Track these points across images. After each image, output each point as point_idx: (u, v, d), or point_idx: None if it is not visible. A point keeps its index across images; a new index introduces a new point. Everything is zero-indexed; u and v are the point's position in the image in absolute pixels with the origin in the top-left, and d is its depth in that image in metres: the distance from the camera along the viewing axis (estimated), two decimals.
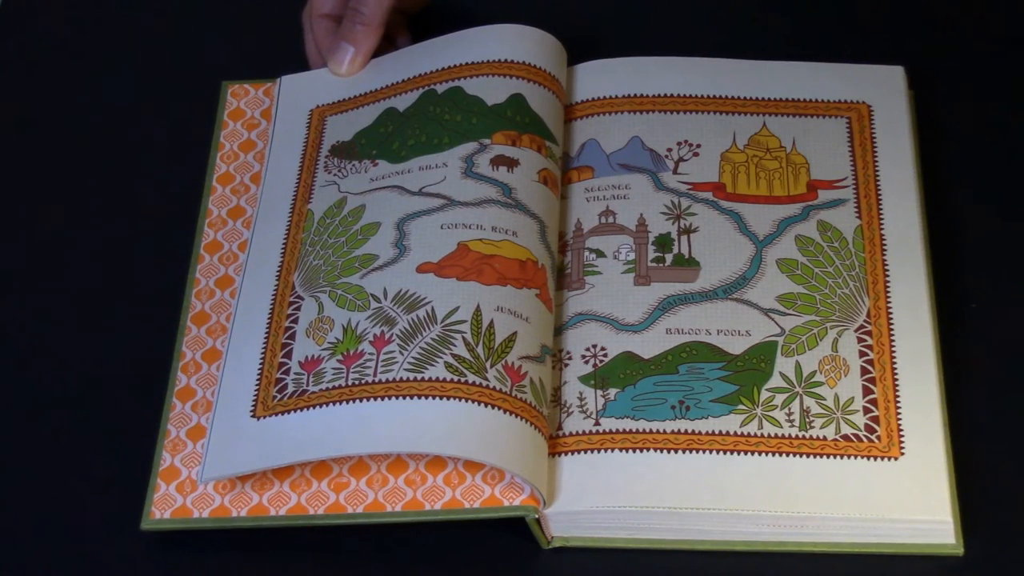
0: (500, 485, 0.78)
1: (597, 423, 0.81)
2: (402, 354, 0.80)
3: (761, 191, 0.88)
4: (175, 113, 0.95)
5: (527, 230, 0.85)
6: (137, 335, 0.87)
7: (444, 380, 0.79)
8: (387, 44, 0.95)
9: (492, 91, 0.89)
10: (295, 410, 0.80)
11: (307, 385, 0.81)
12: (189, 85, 0.96)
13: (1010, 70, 0.95)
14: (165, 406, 0.83)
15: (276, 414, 0.80)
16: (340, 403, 0.79)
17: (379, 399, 0.79)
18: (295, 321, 0.83)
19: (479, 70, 0.90)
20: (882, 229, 0.86)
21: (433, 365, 0.79)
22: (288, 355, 0.82)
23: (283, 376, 0.81)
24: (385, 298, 0.83)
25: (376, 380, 0.79)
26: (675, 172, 0.89)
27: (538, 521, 0.78)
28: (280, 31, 0.99)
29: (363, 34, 0.92)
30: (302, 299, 0.84)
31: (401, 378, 0.79)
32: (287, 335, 0.83)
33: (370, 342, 0.81)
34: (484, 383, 0.79)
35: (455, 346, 0.80)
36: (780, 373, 0.81)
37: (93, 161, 0.94)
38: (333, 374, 0.81)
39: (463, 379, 0.79)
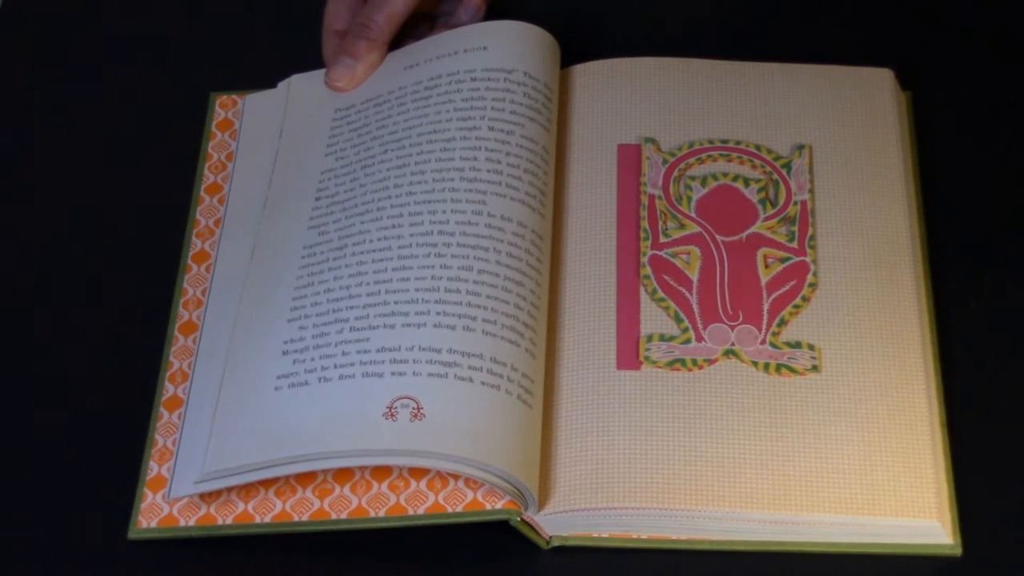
0: (482, 489, 0.78)
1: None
2: None
3: None
4: (168, 123, 0.96)
5: None
6: (125, 344, 0.87)
7: None
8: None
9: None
10: None
11: None
12: (180, 95, 0.96)
13: (1009, 70, 0.95)
14: (152, 415, 0.83)
15: None
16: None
17: None
18: None
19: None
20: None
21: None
22: None
23: None
24: None
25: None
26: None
27: (528, 523, 0.79)
28: (272, 42, 0.99)
29: (365, 49, 0.92)
30: None
31: None
32: None
33: None
34: None
35: None
36: None
37: (83, 170, 0.95)
38: None
39: None
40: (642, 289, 0.84)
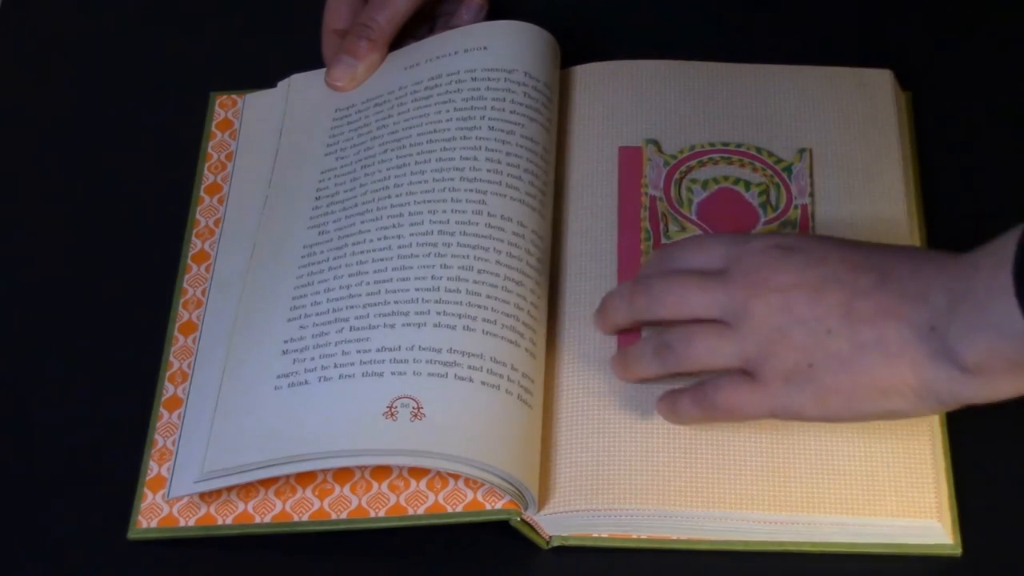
0: (482, 489, 0.78)
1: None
2: None
3: None
4: (168, 123, 0.96)
5: None
6: (125, 344, 0.87)
7: None
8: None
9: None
10: None
11: None
12: (180, 95, 0.96)
13: (1009, 70, 0.95)
14: (152, 415, 0.83)
15: None
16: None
17: None
18: None
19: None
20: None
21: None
22: None
23: None
24: None
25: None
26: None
27: (528, 523, 0.78)
28: (272, 42, 0.99)
29: (366, 49, 0.92)
30: None
31: None
32: None
33: None
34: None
35: None
36: None
37: (82, 170, 0.95)
38: None
39: None
40: None
